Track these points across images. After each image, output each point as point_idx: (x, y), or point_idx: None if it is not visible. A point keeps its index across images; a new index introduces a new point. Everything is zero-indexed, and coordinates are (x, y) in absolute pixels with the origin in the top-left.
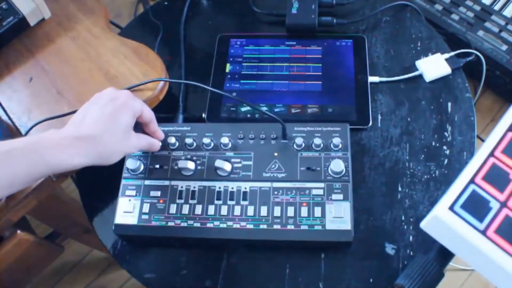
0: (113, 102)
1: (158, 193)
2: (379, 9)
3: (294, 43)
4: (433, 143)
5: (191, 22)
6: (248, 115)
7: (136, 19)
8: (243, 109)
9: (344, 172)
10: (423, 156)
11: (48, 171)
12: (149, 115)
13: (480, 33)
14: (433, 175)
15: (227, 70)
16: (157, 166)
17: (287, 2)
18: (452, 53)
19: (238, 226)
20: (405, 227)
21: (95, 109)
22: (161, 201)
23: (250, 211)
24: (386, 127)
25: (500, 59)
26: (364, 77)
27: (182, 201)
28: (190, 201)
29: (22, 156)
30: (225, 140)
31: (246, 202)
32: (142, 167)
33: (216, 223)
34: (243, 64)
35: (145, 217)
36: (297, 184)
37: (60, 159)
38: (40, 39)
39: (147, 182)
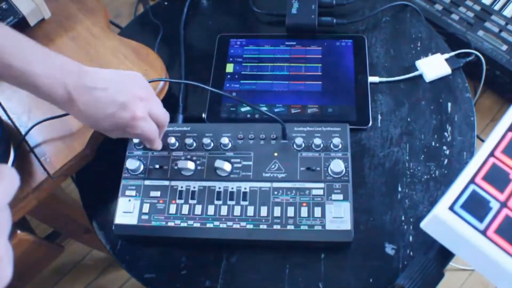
0: (128, 110)
1: (158, 193)
2: (379, 9)
3: (294, 43)
4: (433, 143)
5: (191, 22)
6: (248, 115)
7: (136, 19)
8: (243, 109)
9: (344, 172)
10: (423, 156)
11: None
12: (148, 139)
13: (480, 33)
14: (433, 175)
15: (230, 71)
16: (157, 166)
17: (287, 2)
18: (452, 53)
19: (238, 226)
20: (405, 227)
21: (117, 89)
22: (161, 201)
23: (250, 211)
24: (386, 127)
25: (500, 59)
26: (364, 77)
27: (182, 201)
28: (190, 201)
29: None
30: (225, 140)
31: (246, 202)
32: (142, 167)
33: (216, 223)
34: (243, 64)
35: (145, 217)
36: (297, 184)
37: (47, 88)
38: (40, 39)
39: (147, 182)
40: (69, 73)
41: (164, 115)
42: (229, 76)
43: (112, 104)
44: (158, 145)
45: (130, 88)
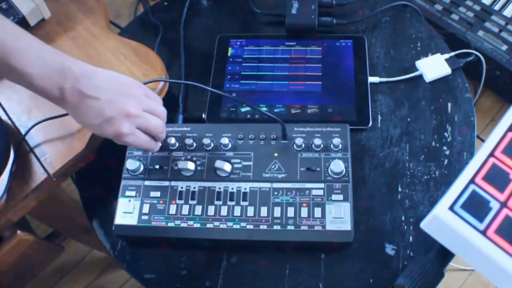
0: (113, 125)
1: (158, 194)
2: (379, 9)
3: (294, 43)
4: (433, 143)
5: (191, 22)
6: (248, 116)
7: (136, 19)
8: (243, 109)
9: (344, 172)
10: (423, 156)
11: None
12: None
13: (480, 33)
14: (433, 175)
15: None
16: (157, 166)
17: (287, 2)
18: (452, 53)
19: (238, 226)
20: (405, 227)
21: (108, 101)
22: (161, 201)
23: (250, 211)
24: (386, 127)
25: (500, 59)
26: (364, 77)
27: (182, 201)
28: (190, 202)
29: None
30: (225, 140)
31: (246, 203)
32: (142, 168)
33: (216, 223)
34: (243, 64)
35: (145, 217)
36: (297, 185)
37: (43, 90)
38: (40, 39)
39: (147, 182)
40: (67, 77)
41: (162, 115)
42: (229, 76)
43: (99, 117)
44: (154, 148)
45: (122, 102)
